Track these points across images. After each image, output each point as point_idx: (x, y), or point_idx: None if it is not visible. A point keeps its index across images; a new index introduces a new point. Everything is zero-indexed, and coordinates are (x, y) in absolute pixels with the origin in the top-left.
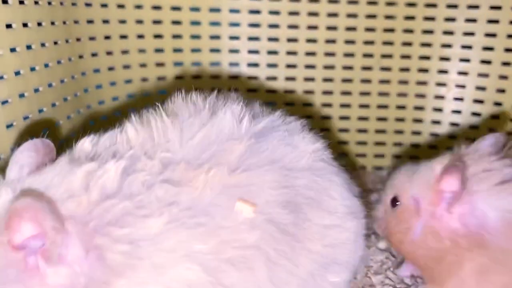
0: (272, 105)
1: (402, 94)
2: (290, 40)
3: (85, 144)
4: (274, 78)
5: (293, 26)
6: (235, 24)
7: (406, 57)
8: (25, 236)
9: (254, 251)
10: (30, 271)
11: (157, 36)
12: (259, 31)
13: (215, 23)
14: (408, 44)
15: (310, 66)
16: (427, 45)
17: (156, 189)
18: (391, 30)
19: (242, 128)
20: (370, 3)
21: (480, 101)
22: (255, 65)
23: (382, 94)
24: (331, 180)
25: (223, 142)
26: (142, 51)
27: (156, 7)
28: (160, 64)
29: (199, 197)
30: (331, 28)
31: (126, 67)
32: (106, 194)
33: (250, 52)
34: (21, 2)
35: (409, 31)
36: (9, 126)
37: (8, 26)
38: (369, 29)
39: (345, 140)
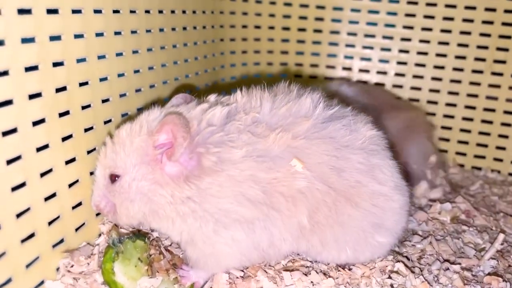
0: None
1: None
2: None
3: (211, 97)
4: (384, 73)
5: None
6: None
7: None
8: (163, 140)
9: (299, 195)
10: (156, 160)
11: (285, 29)
12: (374, 29)
13: (336, 20)
14: None
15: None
16: None
17: (243, 134)
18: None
19: (315, 111)
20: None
21: None
22: (368, 59)
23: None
24: (384, 160)
25: (297, 117)
26: (271, 40)
27: (287, 4)
28: (284, 52)
29: (268, 148)
30: (445, 31)
31: (257, 52)
32: (211, 124)
33: (364, 47)
34: None
35: None
36: (164, 82)
37: (172, 11)
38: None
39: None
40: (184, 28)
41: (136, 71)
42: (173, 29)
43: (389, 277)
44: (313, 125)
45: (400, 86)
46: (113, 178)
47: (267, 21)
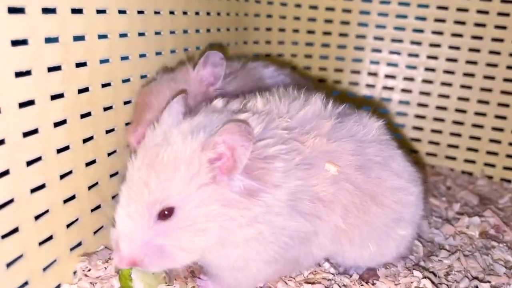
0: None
1: None
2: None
3: (219, 102)
4: (411, 79)
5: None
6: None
7: None
8: (218, 154)
9: (333, 198)
10: (215, 178)
11: (310, 32)
12: (402, 34)
13: (362, 24)
14: None
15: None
16: None
17: (289, 143)
18: None
19: (328, 111)
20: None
21: None
22: (395, 65)
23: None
24: (394, 150)
25: (316, 119)
26: (295, 43)
27: (313, 7)
28: (308, 56)
29: (308, 155)
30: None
31: (280, 55)
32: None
33: (391, 52)
34: None
35: None
36: None
37: (197, 13)
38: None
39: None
40: (208, 30)
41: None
42: (197, 30)
43: None
44: (333, 126)
45: (428, 94)
46: (164, 213)
47: (292, 24)
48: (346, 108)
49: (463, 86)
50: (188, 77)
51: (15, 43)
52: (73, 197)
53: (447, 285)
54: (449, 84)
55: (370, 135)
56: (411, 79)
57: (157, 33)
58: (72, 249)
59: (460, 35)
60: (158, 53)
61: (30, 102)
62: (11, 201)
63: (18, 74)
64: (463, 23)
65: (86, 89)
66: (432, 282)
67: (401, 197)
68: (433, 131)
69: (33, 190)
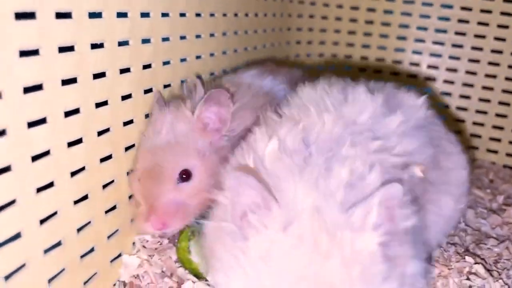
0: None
1: None
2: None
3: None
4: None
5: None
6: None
7: None
8: None
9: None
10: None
11: (352, 20)
12: (447, 24)
13: (406, 14)
14: None
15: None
16: None
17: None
18: None
19: (381, 104)
20: None
21: None
22: (438, 55)
23: None
24: (439, 125)
25: (385, 118)
26: (337, 31)
27: (354, 8)
28: (350, 45)
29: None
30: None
31: (321, 55)
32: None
33: (434, 43)
34: None
35: None
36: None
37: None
38: None
39: None
40: (256, 15)
41: (212, 54)
42: (246, 14)
43: (468, 279)
44: (400, 122)
45: (471, 85)
46: None
47: (334, 12)
48: (388, 87)
49: (507, 79)
50: (187, 125)
51: (92, 15)
52: None
53: (497, 271)
54: (494, 76)
55: (420, 113)
56: (454, 70)
57: (212, 15)
58: (132, 220)
59: (506, 27)
60: (211, 35)
61: (102, 74)
62: (82, 168)
63: (94, 46)
64: (509, 14)
65: (149, 66)
66: (485, 268)
67: (457, 177)
68: (475, 123)
69: (102, 160)
